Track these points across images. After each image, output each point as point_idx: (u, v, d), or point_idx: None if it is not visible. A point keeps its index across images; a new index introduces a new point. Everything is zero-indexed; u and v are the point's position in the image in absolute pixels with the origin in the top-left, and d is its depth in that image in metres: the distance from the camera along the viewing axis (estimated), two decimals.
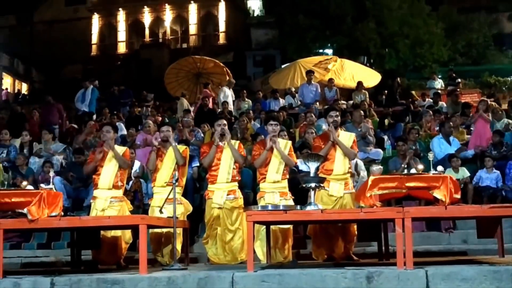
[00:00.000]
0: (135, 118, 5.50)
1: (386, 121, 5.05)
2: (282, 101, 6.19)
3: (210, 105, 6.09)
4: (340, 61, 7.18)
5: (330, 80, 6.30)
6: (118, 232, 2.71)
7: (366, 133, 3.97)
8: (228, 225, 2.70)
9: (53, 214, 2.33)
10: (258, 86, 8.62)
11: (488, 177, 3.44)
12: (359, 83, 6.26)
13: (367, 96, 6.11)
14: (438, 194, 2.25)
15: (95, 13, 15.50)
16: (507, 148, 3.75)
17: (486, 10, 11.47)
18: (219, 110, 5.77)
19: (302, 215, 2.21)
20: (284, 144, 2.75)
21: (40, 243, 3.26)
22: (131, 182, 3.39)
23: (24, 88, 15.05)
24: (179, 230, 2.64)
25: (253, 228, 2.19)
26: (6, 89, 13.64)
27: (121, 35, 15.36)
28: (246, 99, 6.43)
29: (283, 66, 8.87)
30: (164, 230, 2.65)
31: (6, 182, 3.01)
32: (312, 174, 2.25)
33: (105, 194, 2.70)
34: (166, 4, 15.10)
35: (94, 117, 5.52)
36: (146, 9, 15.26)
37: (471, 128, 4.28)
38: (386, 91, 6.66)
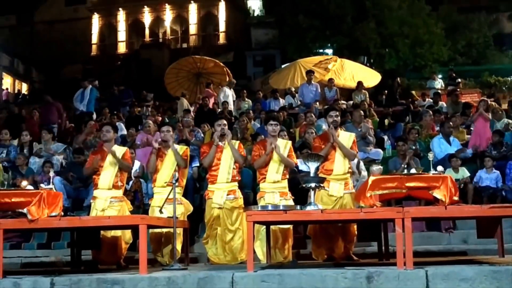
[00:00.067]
0: (135, 118, 5.50)
1: (386, 121, 5.05)
2: (282, 101, 6.19)
3: (211, 105, 6.07)
4: (340, 61, 7.18)
5: (330, 80, 6.30)
6: (118, 232, 2.71)
7: (366, 133, 3.96)
8: (228, 225, 2.71)
9: (53, 214, 2.33)
10: (258, 86, 8.60)
11: (488, 177, 3.44)
12: (359, 83, 6.25)
13: (367, 96, 6.11)
14: (438, 194, 2.24)
15: (95, 13, 15.50)
16: (507, 148, 3.75)
17: (486, 10, 11.47)
18: (219, 110, 5.76)
19: (302, 215, 2.21)
20: (284, 144, 2.75)
21: (40, 243, 3.26)
22: (131, 182, 3.39)
23: (24, 88, 15.06)
24: (179, 230, 2.64)
25: (253, 228, 2.19)
26: (7, 89, 13.63)
27: (121, 35, 15.37)
28: (246, 99, 6.43)
29: (283, 66, 8.88)
30: (164, 230, 2.65)
31: (6, 182, 3.01)
32: (312, 174, 2.26)
33: (105, 194, 2.70)
34: (166, 4, 15.11)
35: (94, 117, 5.52)
36: (146, 9, 15.27)
37: (471, 128, 4.28)
38: (386, 91, 6.66)
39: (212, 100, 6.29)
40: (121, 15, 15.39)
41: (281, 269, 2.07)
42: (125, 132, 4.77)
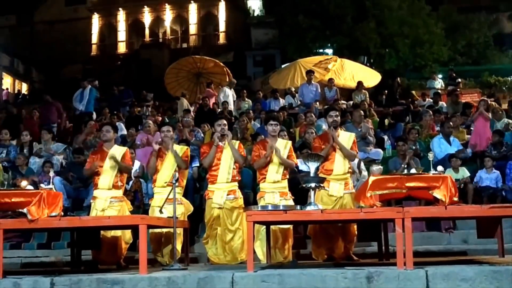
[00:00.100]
0: (135, 118, 5.49)
1: (386, 121, 5.04)
2: (282, 101, 6.18)
3: (211, 105, 6.06)
4: (340, 61, 7.16)
5: (330, 80, 6.29)
6: (118, 232, 2.71)
7: (366, 134, 3.96)
8: (228, 225, 2.71)
9: (53, 214, 2.33)
10: (258, 86, 8.60)
11: (488, 177, 3.44)
12: (359, 83, 6.25)
13: (367, 96, 6.10)
14: (438, 194, 2.24)
15: (95, 13, 15.51)
16: (507, 148, 3.75)
17: (486, 10, 11.46)
18: (219, 110, 5.75)
19: (302, 215, 2.21)
20: (284, 144, 2.75)
21: (40, 243, 3.26)
22: (131, 182, 3.39)
23: (24, 88, 15.07)
24: (179, 230, 2.64)
25: (253, 228, 2.19)
26: (7, 89, 13.63)
27: (121, 35, 15.38)
28: (246, 99, 6.42)
29: (283, 66, 8.87)
30: (164, 230, 2.65)
31: (6, 182, 3.01)
32: (312, 174, 2.26)
33: (105, 194, 2.70)
34: (166, 4, 15.12)
35: (94, 116, 5.51)
36: (146, 9, 15.28)
37: (471, 128, 4.29)
38: (386, 91, 6.65)
39: (212, 100, 6.28)
40: (121, 15, 15.41)
41: (281, 269, 2.07)
42: (125, 132, 4.77)
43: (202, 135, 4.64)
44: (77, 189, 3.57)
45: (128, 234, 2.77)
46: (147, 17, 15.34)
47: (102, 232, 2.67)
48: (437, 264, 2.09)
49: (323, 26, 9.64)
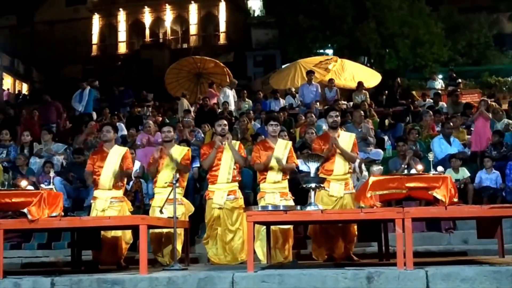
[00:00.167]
0: (135, 118, 5.50)
1: (387, 121, 5.04)
2: (282, 101, 6.19)
3: (212, 105, 6.05)
4: (341, 61, 7.17)
5: (331, 80, 6.30)
6: (118, 232, 2.71)
7: (367, 135, 3.96)
8: (229, 225, 2.71)
9: (54, 214, 2.33)
10: (259, 86, 8.60)
11: (488, 177, 3.44)
12: (360, 83, 6.25)
13: (368, 96, 6.10)
14: (438, 194, 2.24)
15: (95, 13, 15.53)
16: (507, 148, 3.75)
17: (486, 10, 11.46)
18: (220, 110, 5.76)
19: (302, 216, 2.22)
20: (285, 145, 2.76)
21: (40, 243, 3.27)
22: (131, 183, 3.39)
23: (25, 88, 15.09)
24: (180, 231, 2.64)
25: (253, 228, 2.20)
26: (8, 89, 13.67)
27: (122, 35, 15.40)
28: (247, 99, 6.43)
29: (283, 66, 8.89)
30: (165, 230, 2.65)
31: (6, 183, 3.01)
32: (312, 175, 2.26)
33: (105, 195, 2.71)
34: (167, 4, 15.13)
35: (95, 117, 5.53)
36: (146, 9, 15.29)
37: (471, 128, 4.29)
38: (386, 91, 6.65)
39: (213, 100, 6.28)
40: (122, 16, 15.42)
41: (282, 269, 2.08)
42: (125, 132, 4.78)
43: (202, 135, 4.64)
44: (78, 189, 3.58)
45: (128, 234, 2.77)
46: (147, 18, 15.36)
47: (102, 232, 2.67)
48: (437, 264, 2.09)
49: (323, 26, 9.66)
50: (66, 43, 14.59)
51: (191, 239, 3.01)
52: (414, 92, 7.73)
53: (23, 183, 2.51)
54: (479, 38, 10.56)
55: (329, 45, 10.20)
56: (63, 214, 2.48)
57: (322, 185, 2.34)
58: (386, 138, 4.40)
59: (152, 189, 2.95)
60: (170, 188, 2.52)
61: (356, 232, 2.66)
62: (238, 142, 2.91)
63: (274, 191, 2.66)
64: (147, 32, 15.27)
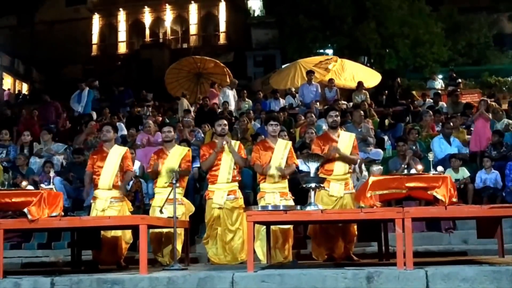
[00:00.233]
0: (135, 118, 5.50)
1: (386, 121, 5.03)
2: (282, 101, 6.19)
3: (212, 105, 6.05)
4: (341, 61, 7.17)
5: (330, 80, 6.30)
6: (118, 232, 2.72)
7: (366, 135, 3.97)
8: (229, 225, 2.71)
9: (54, 214, 2.33)
10: (259, 86, 8.60)
11: (488, 177, 3.45)
12: (359, 83, 6.25)
13: (368, 96, 6.09)
14: (438, 194, 2.25)
15: (95, 14, 15.55)
16: (507, 148, 3.75)
17: (486, 11, 11.46)
18: (220, 110, 5.76)
19: (302, 215, 2.22)
20: (285, 145, 2.76)
21: (40, 243, 3.27)
22: (131, 183, 3.39)
23: (25, 88, 15.11)
24: (180, 230, 2.64)
25: (253, 228, 2.20)
26: (9, 89, 13.67)
27: (122, 35, 15.40)
28: (247, 99, 6.43)
29: (283, 66, 8.89)
30: (165, 230, 2.65)
31: (6, 182, 3.02)
32: (312, 175, 2.26)
33: (105, 194, 2.71)
34: (167, 4, 15.13)
35: (95, 117, 5.53)
36: (146, 9, 15.29)
37: (471, 129, 4.29)
38: (386, 91, 6.64)
39: (214, 100, 6.28)
40: (122, 16, 15.43)
41: (281, 269, 2.08)
42: (125, 132, 4.78)
43: (202, 135, 4.64)
44: (77, 189, 3.57)
45: (128, 234, 2.77)
46: (147, 18, 15.37)
47: (102, 232, 2.67)
48: (437, 264, 2.09)
49: (323, 26, 9.66)
50: (66, 43, 14.61)
51: (191, 239, 3.01)
52: (414, 92, 7.73)
53: (24, 183, 2.51)
54: (479, 38, 10.58)
55: (329, 45, 10.21)
56: (63, 214, 2.49)
57: (322, 185, 2.34)
58: (386, 138, 4.40)
59: (152, 189, 2.95)
60: (170, 188, 2.52)
61: (356, 232, 2.67)
62: (238, 142, 2.92)
63: (274, 191, 2.66)
64: (147, 32, 15.27)
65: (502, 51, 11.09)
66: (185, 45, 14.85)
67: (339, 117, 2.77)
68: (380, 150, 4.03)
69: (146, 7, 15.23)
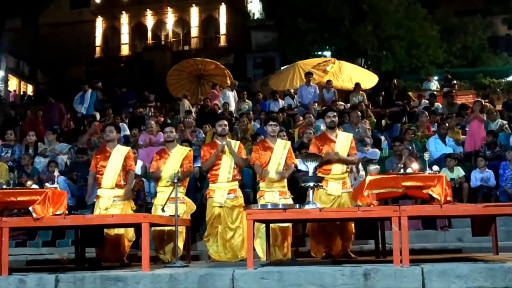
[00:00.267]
0: (137, 119, 5.54)
1: (383, 122, 5.05)
2: (281, 102, 6.24)
3: (213, 106, 6.10)
4: (338, 63, 7.23)
5: (328, 81, 6.35)
6: (121, 230, 2.75)
7: (364, 136, 4.02)
8: (229, 224, 2.75)
9: (58, 212, 2.37)
10: (258, 88, 8.68)
11: (481, 176, 3.49)
12: (357, 85, 6.31)
13: (365, 97, 6.15)
14: (434, 193, 2.29)
15: (99, 16, 15.68)
16: (501, 148, 3.80)
17: (481, 14, 11.56)
18: (220, 111, 5.81)
19: (301, 214, 2.26)
20: (284, 145, 2.81)
21: (45, 241, 3.30)
22: (133, 182, 3.44)
23: (30, 89, 15.19)
24: (181, 228, 2.68)
25: (253, 226, 2.23)
26: (14, 91, 13.84)
27: (124, 37, 15.54)
28: (247, 100, 6.48)
29: (282, 68, 8.93)
30: (166, 228, 2.69)
31: (12, 182, 3.07)
32: (310, 174, 2.30)
33: (109, 193, 2.75)
34: (168, 7, 15.27)
35: (98, 117, 5.58)
36: (148, 12, 15.43)
37: (466, 129, 4.34)
38: (383, 93, 6.69)
39: (216, 101, 6.33)
40: (124, 18, 15.58)
41: (281, 266, 2.09)
42: (128, 132, 4.83)
43: (203, 135, 4.69)
44: (81, 188, 3.62)
45: (131, 232, 2.80)
46: (149, 20, 15.50)
47: (105, 230, 2.71)
48: (432, 261, 2.12)
49: (321, 29, 9.76)
50: (70, 45, 14.74)
51: (192, 236, 3.04)
52: (410, 93, 7.78)
53: (29, 182, 2.56)
54: (474, 40, 10.72)
55: (327, 47, 10.29)
56: (67, 212, 2.52)
57: (320, 184, 2.38)
58: (382, 138, 4.44)
59: (154, 188, 3.00)
60: (172, 187, 2.56)
61: (354, 230, 2.70)
62: (238, 142, 2.96)
63: (273, 190, 2.70)
64: (149, 34, 15.40)
65: (496, 53, 11.19)
66: (186, 47, 14.97)
67: (337, 118, 2.83)
68: (377, 150, 4.08)
69: (148, 10, 15.36)
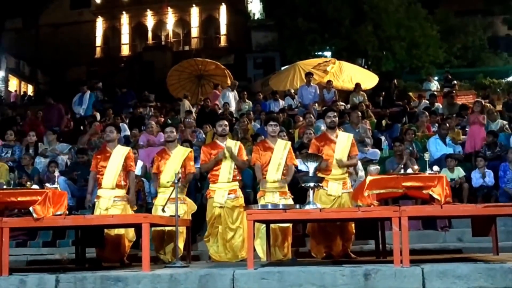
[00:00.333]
0: (138, 119, 5.56)
1: (383, 122, 5.06)
2: (281, 102, 6.24)
3: (213, 106, 6.11)
4: (339, 63, 7.23)
5: (329, 82, 6.35)
6: (121, 231, 2.76)
7: (364, 136, 4.02)
8: (229, 224, 2.76)
9: (58, 213, 2.37)
10: (258, 88, 8.71)
11: (481, 177, 3.49)
12: (357, 85, 6.31)
13: (365, 97, 6.15)
14: (434, 193, 2.29)
15: (99, 16, 15.72)
16: (501, 148, 3.81)
17: (481, 14, 11.57)
18: (220, 111, 5.83)
19: (301, 214, 2.26)
20: (284, 145, 2.81)
21: (45, 241, 3.32)
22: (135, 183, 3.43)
23: (30, 89, 15.23)
24: (182, 229, 2.68)
25: (253, 226, 2.24)
26: (16, 91, 13.89)
27: (125, 37, 15.57)
28: (247, 100, 6.48)
29: (282, 68, 8.95)
30: (167, 228, 2.70)
31: (12, 182, 3.07)
32: (311, 174, 2.30)
33: (109, 194, 2.76)
34: (169, 8, 15.30)
35: (98, 118, 5.59)
36: (149, 12, 15.46)
37: (466, 129, 4.34)
38: (383, 93, 6.70)
39: (217, 101, 6.34)
40: (125, 19, 15.61)
41: (281, 267, 2.10)
42: (128, 132, 4.83)
43: (203, 135, 4.69)
44: (82, 188, 3.62)
45: (131, 232, 2.81)
46: (150, 20, 15.54)
47: (105, 230, 2.71)
48: (433, 261, 2.13)
49: (321, 29, 9.75)
50: (71, 46, 14.79)
51: (193, 237, 3.05)
52: (410, 94, 7.77)
53: (28, 182, 2.57)
54: (474, 40, 10.70)
55: (327, 47, 10.27)
56: (67, 212, 2.53)
57: (320, 184, 2.39)
58: (383, 138, 4.44)
59: (154, 188, 3.01)
60: (172, 187, 2.57)
61: (354, 230, 2.71)
62: (239, 142, 2.97)
63: (273, 190, 2.71)
64: (150, 34, 15.44)
65: (497, 53, 11.19)
66: (186, 48, 14.99)
67: (337, 118, 2.84)
68: (377, 150, 4.08)
69: (148, 10, 15.38)
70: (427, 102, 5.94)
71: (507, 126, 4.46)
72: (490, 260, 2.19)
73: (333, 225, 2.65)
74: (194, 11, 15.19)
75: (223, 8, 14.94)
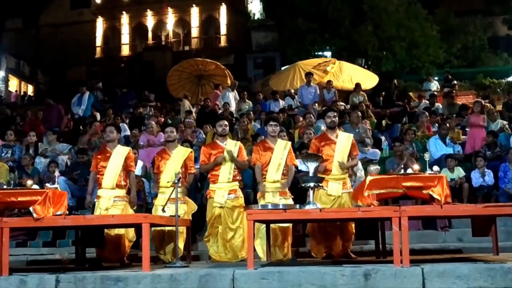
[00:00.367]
0: (138, 119, 5.56)
1: (383, 122, 5.07)
2: (282, 103, 6.25)
3: (213, 106, 6.12)
4: (339, 63, 7.23)
5: (329, 82, 6.36)
6: (121, 231, 2.76)
7: (364, 136, 4.02)
8: (229, 224, 2.76)
9: (58, 213, 2.38)
10: (259, 88, 8.70)
11: (481, 177, 3.49)
12: (357, 85, 6.32)
13: (365, 97, 6.16)
14: (434, 193, 2.29)
15: (99, 17, 15.75)
16: (501, 148, 3.82)
17: (481, 14, 11.56)
18: (220, 111, 5.83)
19: (301, 214, 2.26)
20: (284, 145, 2.82)
21: (45, 241, 3.32)
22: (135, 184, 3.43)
23: (30, 89, 15.25)
24: (182, 229, 2.68)
25: (253, 226, 2.24)
26: (16, 91, 13.91)
27: (125, 38, 15.59)
28: (247, 101, 6.49)
29: (282, 68, 8.96)
30: (167, 228, 2.70)
31: (12, 182, 3.07)
32: (311, 174, 2.30)
33: (109, 194, 2.76)
34: (169, 8, 15.33)
35: (98, 118, 5.60)
36: (149, 13, 15.49)
37: (466, 129, 4.35)
38: (383, 93, 6.70)
39: (218, 101, 6.36)
40: (125, 19, 15.63)
41: (281, 267, 2.10)
42: (128, 132, 4.84)
43: (203, 136, 4.70)
44: (82, 188, 3.62)
45: (131, 232, 2.82)
46: (150, 21, 15.56)
47: (106, 230, 2.72)
48: (433, 261, 2.13)
49: (322, 29, 9.76)
50: (71, 46, 14.80)
51: (193, 237, 3.05)
52: (410, 94, 7.78)
53: (29, 182, 2.56)
54: (474, 40, 10.71)
55: (328, 47, 10.28)
56: (67, 212, 2.53)
57: (320, 184, 2.39)
58: (383, 138, 4.45)
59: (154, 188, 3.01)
60: (172, 187, 2.57)
61: (354, 230, 2.71)
62: (239, 142, 2.97)
63: (273, 190, 2.72)
64: (150, 34, 15.46)
65: (497, 53, 11.19)
66: (186, 48, 15.00)
67: (337, 118, 2.84)
68: (377, 150, 4.08)
69: (148, 10, 15.41)
70: (427, 102, 5.95)
71: (507, 126, 4.46)
72: (490, 260, 2.19)
73: (333, 225, 2.65)
74: (194, 11, 15.21)
75: (223, 8, 14.95)
